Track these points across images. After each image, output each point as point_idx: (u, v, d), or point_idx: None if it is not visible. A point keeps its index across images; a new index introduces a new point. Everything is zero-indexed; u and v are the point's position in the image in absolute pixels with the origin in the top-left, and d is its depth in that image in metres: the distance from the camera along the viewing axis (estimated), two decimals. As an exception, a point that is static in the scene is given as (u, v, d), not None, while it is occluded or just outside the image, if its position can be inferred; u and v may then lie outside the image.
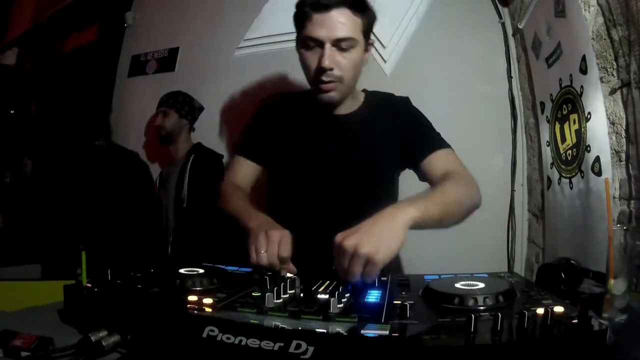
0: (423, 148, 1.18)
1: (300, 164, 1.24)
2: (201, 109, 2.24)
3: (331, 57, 1.11)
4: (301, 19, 1.14)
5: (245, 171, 1.29)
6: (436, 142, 1.20)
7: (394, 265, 1.25)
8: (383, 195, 1.25)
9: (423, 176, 1.19)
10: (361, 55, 1.17)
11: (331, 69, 1.11)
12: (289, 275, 0.89)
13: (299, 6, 1.16)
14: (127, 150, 2.16)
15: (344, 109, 1.25)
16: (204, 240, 1.90)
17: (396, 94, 1.33)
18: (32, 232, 2.02)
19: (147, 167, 2.20)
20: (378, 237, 0.80)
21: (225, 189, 1.24)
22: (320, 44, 1.11)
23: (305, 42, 1.14)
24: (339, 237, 0.82)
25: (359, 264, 0.78)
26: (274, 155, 1.27)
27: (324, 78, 1.13)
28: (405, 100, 1.30)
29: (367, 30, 1.17)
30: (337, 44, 1.11)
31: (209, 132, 2.21)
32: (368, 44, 1.20)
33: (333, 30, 1.10)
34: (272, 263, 0.91)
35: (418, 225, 0.87)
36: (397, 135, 1.23)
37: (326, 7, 1.10)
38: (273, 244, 0.92)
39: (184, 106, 2.16)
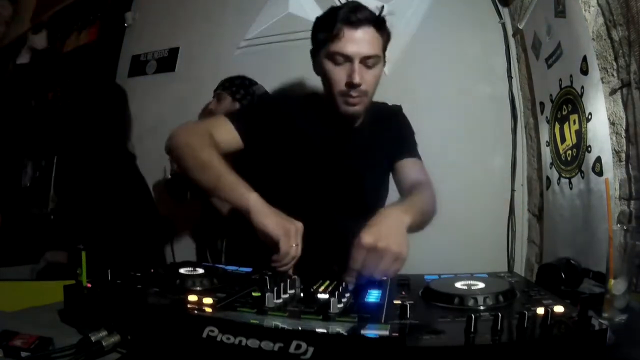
0: (401, 151, 1.30)
1: (308, 164, 1.26)
2: None
3: (360, 74, 1.15)
4: (331, 31, 1.15)
5: (226, 135, 1.18)
6: (412, 149, 1.33)
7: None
8: (381, 194, 1.33)
9: (394, 176, 1.31)
10: (382, 70, 1.23)
11: (359, 85, 1.15)
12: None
13: (331, 16, 1.16)
14: (124, 152, 2.02)
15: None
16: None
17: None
18: (34, 232, 2.01)
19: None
20: (403, 238, 0.89)
21: (199, 131, 1.15)
22: (349, 59, 1.15)
23: (334, 56, 1.16)
24: (368, 238, 0.85)
25: (389, 262, 0.85)
26: (274, 143, 1.24)
27: (353, 93, 1.17)
28: (398, 110, 1.40)
29: (385, 48, 1.23)
30: (365, 61, 1.15)
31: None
32: (384, 59, 1.25)
33: (362, 47, 1.14)
34: (296, 256, 0.95)
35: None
36: (389, 142, 1.32)
37: (356, 24, 1.13)
38: (299, 238, 0.97)
39: (240, 89, 1.91)
